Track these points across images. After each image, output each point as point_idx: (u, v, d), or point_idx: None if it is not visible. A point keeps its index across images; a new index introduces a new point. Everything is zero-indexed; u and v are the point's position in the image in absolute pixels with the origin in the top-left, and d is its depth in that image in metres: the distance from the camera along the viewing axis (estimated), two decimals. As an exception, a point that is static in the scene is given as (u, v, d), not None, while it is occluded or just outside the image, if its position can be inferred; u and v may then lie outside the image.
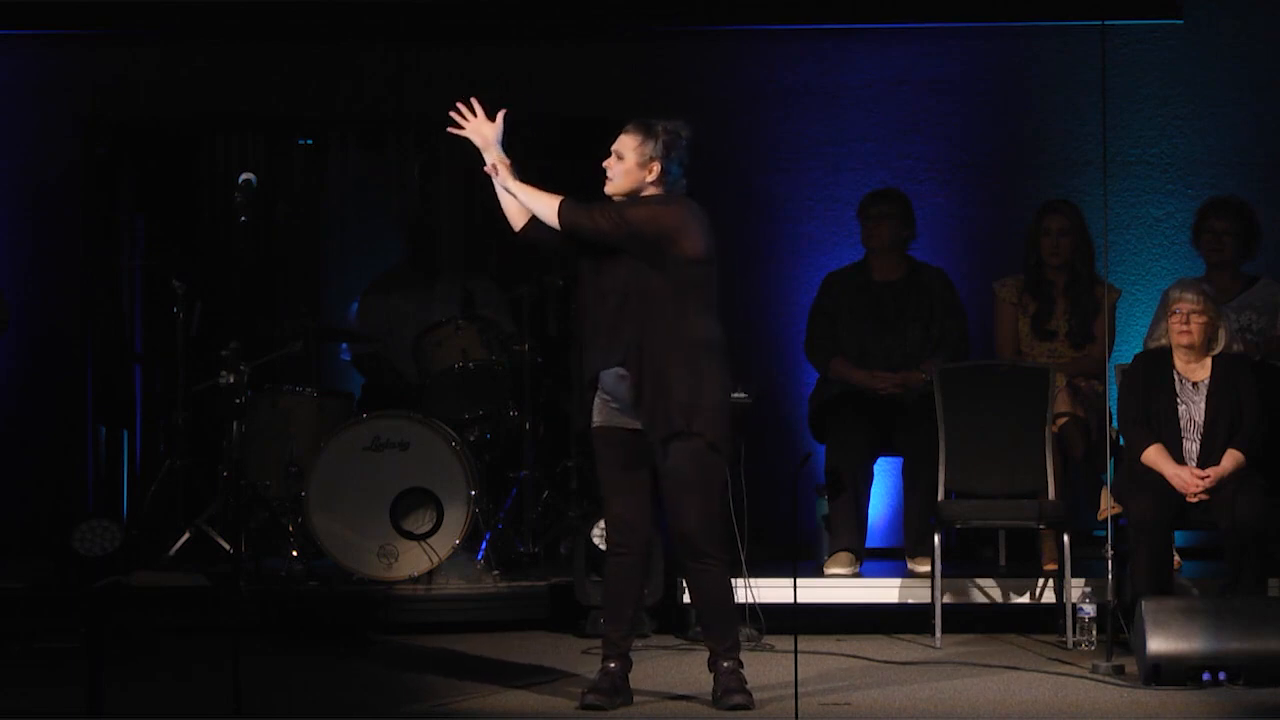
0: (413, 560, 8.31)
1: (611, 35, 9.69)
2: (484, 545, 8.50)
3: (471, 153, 6.69)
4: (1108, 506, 7.87)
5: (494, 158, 6.59)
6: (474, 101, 6.65)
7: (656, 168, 6.50)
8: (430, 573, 8.32)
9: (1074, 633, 7.78)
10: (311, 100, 9.80)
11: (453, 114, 6.63)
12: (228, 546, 8.52)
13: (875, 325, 8.71)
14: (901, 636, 8.02)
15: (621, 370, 6.48)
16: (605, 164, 6.55)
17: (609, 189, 6.54)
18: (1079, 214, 8.66)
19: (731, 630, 6.63)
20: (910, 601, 8.16)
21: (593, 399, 6.58)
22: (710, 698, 6.58)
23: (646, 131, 6.51)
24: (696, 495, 6.47)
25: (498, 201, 6.67)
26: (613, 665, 6.58)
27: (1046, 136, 9.63)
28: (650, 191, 6.51)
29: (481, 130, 6.62)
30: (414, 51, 9.69)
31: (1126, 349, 8.64)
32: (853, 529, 8.44)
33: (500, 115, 6.62)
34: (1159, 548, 7.55)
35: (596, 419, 6.57)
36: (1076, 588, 7.91)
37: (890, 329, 8.71)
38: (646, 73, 9.62)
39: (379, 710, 6.66)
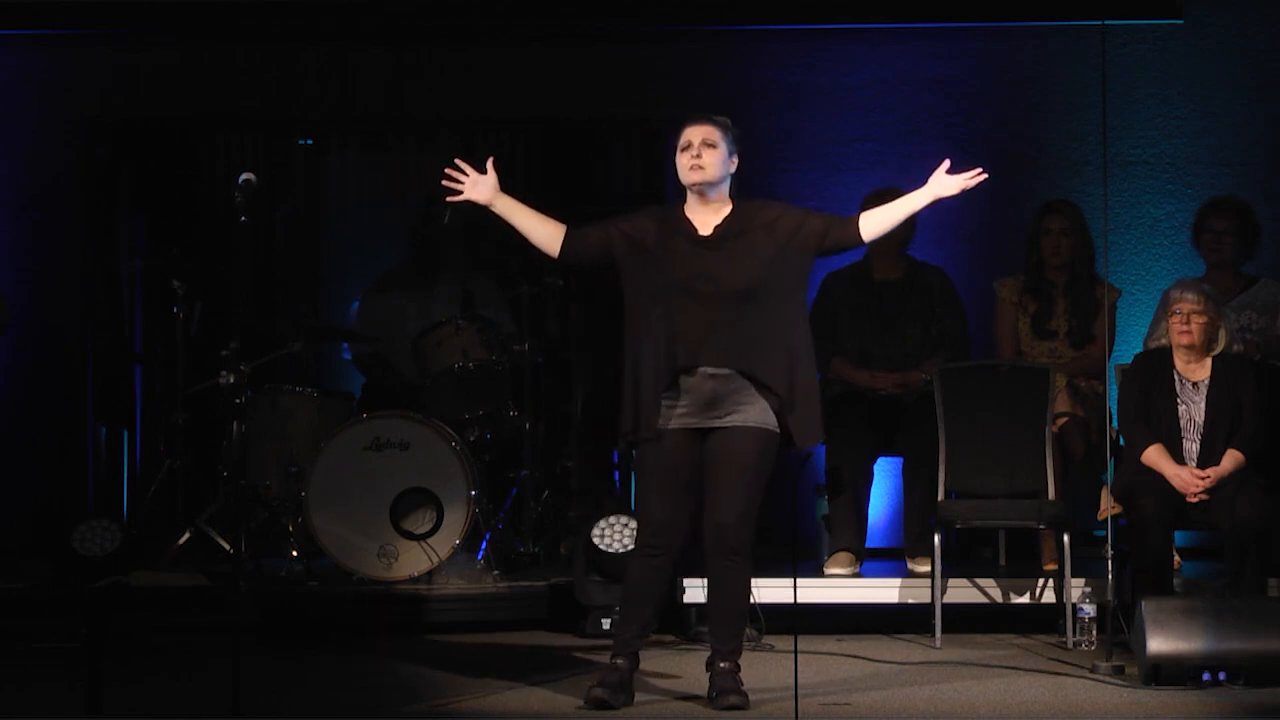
0: (413, 560, 8.31)
1: (611, 35, 9.68)
2: (484, 545, 8.50)
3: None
4: (1108, 506, 7.86)
5: (502, 207, 6.55)
6: (459, 162, 6.57)
7: (735, 160, 6.56)
8: (430, 573, 8.32)
9: (1074, 633, 7.78)
10: (311, 101, 9.79)
11: (445, 183, 6.56)
12: (228, 546, 8.53)
13: (875, 325, 8.71)
14: (901, 636, 8.02)
15: (711, 369, 6.42)
16: (694, 153, 6.45)
17: (704, 176, 6.46)
18: (1079, 214, 8.66)
19: (739, 634, 6.60)
20: (910, 601, 8.15)
21: (658, 398, 6.44)
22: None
23: (723, 125, 6.53)
24: (751, 490, 6.43)
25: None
26: (620, 662, 6.53)
27: (1046, 136, 9.62)
28: (728, 182, 6.53)
29: (479, 189, 6.56)
30: (413, 52, 9.69)
31: (1126, 349, 8.64)
32: (853, 529, 8.44)
33: (490, 163, 6.58)
34: (1159, 548, 7.55)
35: (662, 423, 6.44)
36: (1076, 588, 7.91)
37: (890, 329, 8.71)
38: (646, 73, 9.62)
39: (379, 710, 6.66)
